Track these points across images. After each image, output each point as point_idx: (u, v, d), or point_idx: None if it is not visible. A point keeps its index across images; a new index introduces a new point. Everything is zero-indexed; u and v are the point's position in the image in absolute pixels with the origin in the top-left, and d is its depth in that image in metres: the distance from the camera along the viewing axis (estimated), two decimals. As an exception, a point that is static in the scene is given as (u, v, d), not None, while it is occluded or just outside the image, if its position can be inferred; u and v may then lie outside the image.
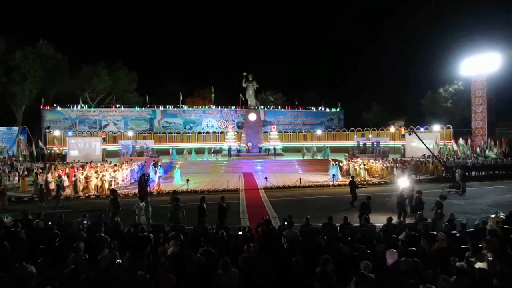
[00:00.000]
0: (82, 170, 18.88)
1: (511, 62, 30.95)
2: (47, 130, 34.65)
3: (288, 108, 45.31)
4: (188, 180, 17.93)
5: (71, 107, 38.65)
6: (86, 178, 17.32)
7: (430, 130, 30.50)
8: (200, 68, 60.93)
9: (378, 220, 9.71)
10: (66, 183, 17.33)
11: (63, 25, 53.37)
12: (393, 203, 12.32)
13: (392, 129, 32.49)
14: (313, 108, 45.36)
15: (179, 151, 31.00)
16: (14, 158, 27.12)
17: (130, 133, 34.90)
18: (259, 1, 73.78)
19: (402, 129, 28.02)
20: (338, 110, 45.87)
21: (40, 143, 29.21)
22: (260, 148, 30.96)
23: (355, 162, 22.90)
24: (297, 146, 33.76)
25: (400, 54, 48.93)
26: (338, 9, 72.34)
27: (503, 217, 8.32)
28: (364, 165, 21.70)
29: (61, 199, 14.74)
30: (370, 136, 35.05)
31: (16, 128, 32.63)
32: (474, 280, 4.35)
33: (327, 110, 45.51)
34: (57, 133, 31.77)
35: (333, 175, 19.33)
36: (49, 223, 7.94)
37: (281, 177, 21.52)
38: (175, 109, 41.98)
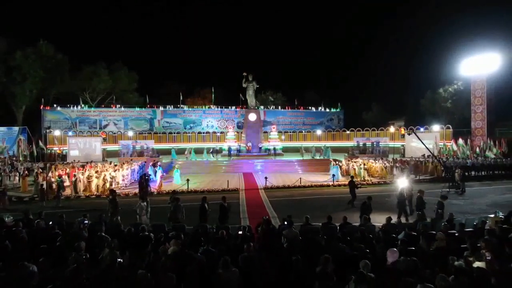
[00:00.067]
0: (83, 170, 18.91)
1: (510, 62, 30.99)
2: (47, 130, 34.68)
3: (288, 108, 45.35)
4: (188, 180, 17.96)
5: (71, 107, 38.67)
6: (88, 178, 17.35)
7: (430, 130, 30.53)
8: (200, 68, 61.08)
9: (378, 220, 9.74)
10: (67, 183, 17.37)
11: (63, 25, 53.57)
12: (392, 203, 12.37)
13: (391, 129, 32.50)
14: (313, 108, 45.40)
15: (180, 151, 31.05)
16: (14, 158, 27.16)
17: (130, 133, 34.93)
18: (259, 1, 73.92)
19: (402, 129, 28.05)
20: (338, 110, 45.91)
21: (40, 143, 29.23)
22: (260, 148, 30.99)
23: (354, 162, 22.94)
24: (297, 146, 33.79)
25: (400, 54, 49.08)
26: (338, 9, 72.52)
27: (502, 217, 8.35)
28: (364, 165, 21.75)
29: (61, 199, 14.79)
30: (370, 136, 35.11)
31: (16, 128, 32.67)
32: (472, 279, 4.38)
33: (327, 110, 45.55)
34: (57, 133, 31.79)
35: (333, 175, 19.36)
36: (50, 223, 7.97)
37: (281, 177, 21.55)
38: (175, 109, 42.02)
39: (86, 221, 7.86)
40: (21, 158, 27.49)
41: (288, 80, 56.86)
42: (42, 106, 37.16)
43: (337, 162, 22.66)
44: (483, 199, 14.96)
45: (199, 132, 39.48)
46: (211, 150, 31.14)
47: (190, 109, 42.93)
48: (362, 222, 8.57)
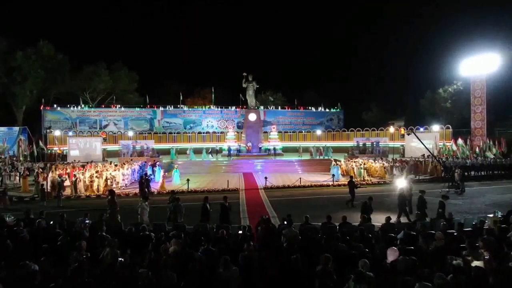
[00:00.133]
0: (83, 170, 18.95)
1: (510, 62, 31.03)
2: (47, 130, 34.69)
3: (288, 108, 45.36)
4: (188, 180, 18.00)
5: (72, 107, 38.69)
6: (91, 177, 17.40)
7: (429, 130, 30.55)
8: (200, 68, 61.01)
9: (377, 219, 9.79)
10: (67, 183, 17.41)
11: (63, 25, 53.53)
12: (392, 203, 12.41)
13: (391, 129, 32.50)
14: (313, 108, 45.42)
15: (180, 151, 31.09)
16: (15, 158, 27.19)
17: (130, 133, 34.95)
18: (259, 1, 73.94)
19: (402, 129, 28.08)
20: (337, 110, 45.94)
21: (41, 143, 29.27)
22: (260, 148, 31.02)
23: (354, 162, 22.99)
24: (297, 146, 33.83)
25: (400, 54, 49.06)
26: (338, 9, 72.51)
27: (501, 216, 8.39)
28: (364, 164, 21.80)
29: (62, 199, 14.84)
30: (370, 136, 35.15)
31: (16, 128, 32.68)
32: (470, 278, 4.43)
33: (327, 110, 45.57)
34: (57, 133, 31.80)
35: (333, 175, 19.40)
36: (51, 222, 8.01)
37: (281, 177, 21.59)
38: (175, 109, 42.04)
39: (87, 221, 7.90)
40: (21, 158, 27.53)
41: (288, 80, 56.86)
42: (42, 106, 37.18)
43: (337, 162, 22.70)
44: (482, 199, 15.01)
45: (199, 132, 39.49)
46: (210, 150, 31.18)
47: (190, 109, 42.94)
48: (361, 222, 8.62)
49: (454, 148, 26.76)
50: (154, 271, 4.68)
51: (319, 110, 45.32)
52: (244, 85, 30.80)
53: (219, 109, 43.34)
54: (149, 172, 20.21)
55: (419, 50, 51.53)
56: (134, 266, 4.91)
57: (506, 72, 31.28)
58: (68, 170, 19.40)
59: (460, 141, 26.93)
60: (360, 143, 32.12)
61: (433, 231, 6.94)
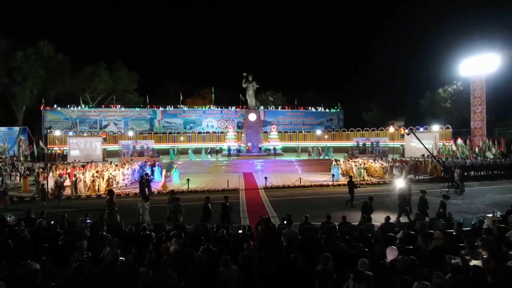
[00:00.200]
0: (83, 170, 18.98)
1: (510, 63, 31.07)
2: (47, 130, 34.71)
3: (288, 108, 45.41)
4: (188, 180, 18.03)
5: (72, 107, 38.74)
6: (93, 177, 17.43)
7: (429, 130, 30.58)
8: (200, 68, 61.13)
9: (377, 219, 9.81)
10: (67, 182, 17.44)
11: (63, 25, 53.66)
12: (392, 203, 12.44)
13: (391, 129, 32.55)
14: (313, 108, 45.46)
15: (180, 151, 31.09)
16: (15, 158, 27.23)
17: (131, 133, 34.98)
18: (259, 1, 73.99)
19: (402, 129, 28.11)
20: (337, 110, 45.98)
21: (41, 143, 29.32)
22: (260, 148, 31.05)
23: (354, 162, 23.01)
24: (296, 146, 33.89)
25: (400, 54, 49.17)
26: (338, 9, 72.57)
27: (500, 216, 8.42)
28: (364, 164, 21.83)
29: (62, 199, 14.87)
30: (370, 136, 35.17)
31: (17, 128, 32.74)
32: (468, 277, 4.45)
33: (327, 110, 45.61)
34: (57, 133, 31.83)
35: (333, 175, 19.43)
36: (52, 222, 8.04)
37: (281, 177, 21.62)
38: (175, 109, 42.08)
39: (88, 220, 7.93)
40: (22, 158, 27.56)
41: (288, 80, 56.95)
42: (42, 106, 37.24)
43: (337, 162, 22.73)
44: (482, 199, 15.03)
45: (199, 132, 39.52)
46: (209, 150, 31.21)
47: (190, 109, 42.98)
48: (361, 221, 8.65)
49: (454, 148, 26.79)
50: (155, 270, 4.71)
51: (319, 110, 45.36)
52: (244, 85, 30.82)
53: (219, 109, 43.37)
54: (148, 172, 20.24)
55: (419, 50, 51.71)
56: (134, 266, 4.94)
57: (506, 72, 31.32)
58: (69, 170, 19.42)
59: (459, 141, 26.96)
60: (360, 143, 32.15)
61: (432, 231, 6.97)
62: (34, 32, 41.43)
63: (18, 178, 19.73)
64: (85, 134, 34.14)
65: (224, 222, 9.40)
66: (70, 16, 60.11)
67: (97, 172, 18.35)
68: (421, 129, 31.18)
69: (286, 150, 32.85)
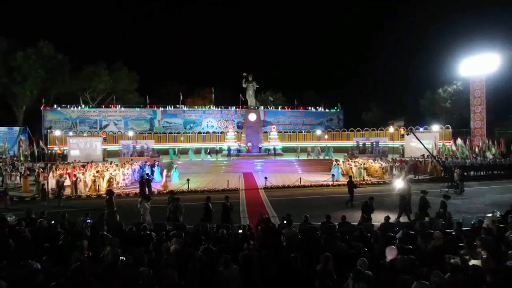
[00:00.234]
0: (83, 170, 19.00)
1: (509, 63, 31.08)
2: (48, 130, 34.76)
3: (287, 108, 45.41)
4: (188, 180, 18.05)
5: (72, 107, 38.76)
6: (94, 177, 17.44)
7: (429, 130, 30.60)
8: (200, 68, 61.13)
9: (377, 219, 9.83)
10: (68, 182, 17.45)
11: (63, 25, 53.65)
12: (392, 203, 12.45)
13: (391, 129, 32.57)
14: (313, 108, 45.47)
15: (180, 151, 31.12)
16: (15, 158, 27.25)
17: (131, 133, 35.00)
18: (259, 1, 74.00)
19: (402, 129, 28.12)
20: (337, 110, 45.99)
21: (41, 143, 29.34)
22: (260, 148, 31.05)
23: (353, 162, 23.03)
24: (296, 146, 33.89)
25: (400, 54, 49.18)
26: (338, 9, 72.58)
27: (499, 216, 8.43)
28: (364, 164, 21.84)
29: (62, 199, 14.88)
30: (370, 136, 35.19)
31: (17, 128, 32.75)
32: (468, 276, 4.47)
33: (327, 110, 45.62)
34: (57, 133, 31.86)
35: (333, 175, 19.44)
36: (52, 222, 8.05)
37: (280, 177, 21.63)
38: (175, 109, 42.09)
39: (89, 220, 7.95)
40: (22, 158, 27.58)
41: (288, 80, 56.97)
42: (42, 106, 37.25)
43: (338, 162, 22.75)
44: (481, 199, 15.04)
45: (199, 132, 39.53)
46: (209, 150, 31.22)
47: (190, 109, 42.99)
48: (361, 221, 8.67)
49: (454, 148, 26.81)
50: (155, 269, 4.72)
51: (319, 110, 45.37)
52: (244, 85, 30.82)
53: (219, 109, 43.38)
54: (148, 172, 20.25)
55: (419, 50, 51.72)
56: (135, 265, 4.96)
57: (506, 72, 31.33)
58: (69, 170, 19.44)
59: (459, 141, 26.98)
60: (360, 143, 32.17)
61: (431, 231, 6.98)
62: (34, 32, 41.51)
63: (18, 178, 19.74)
64: (85, 134, 34.16)
65: (224, 222, 9.41)
66: (70, 16, 60.21)
67: (97, 172, 18.37)
68: (421, 129, 31.20)
69: (286, 150, 32.85)
